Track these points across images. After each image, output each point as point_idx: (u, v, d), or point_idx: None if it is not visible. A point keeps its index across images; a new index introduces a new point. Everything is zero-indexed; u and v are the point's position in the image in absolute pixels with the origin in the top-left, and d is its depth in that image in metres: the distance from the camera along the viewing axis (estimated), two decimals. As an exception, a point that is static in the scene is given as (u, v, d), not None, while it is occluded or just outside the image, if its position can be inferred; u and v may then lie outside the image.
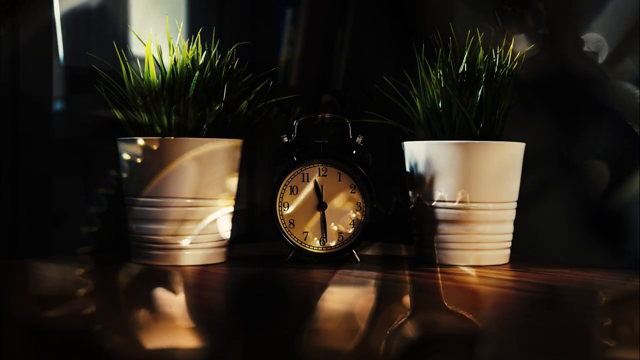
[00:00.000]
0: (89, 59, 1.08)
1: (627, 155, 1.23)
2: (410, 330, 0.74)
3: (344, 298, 0.88)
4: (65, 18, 1.30)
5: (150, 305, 0.84)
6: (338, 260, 1.09)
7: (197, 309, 0.84)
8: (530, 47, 1.08)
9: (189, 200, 1.03)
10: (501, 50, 1.08)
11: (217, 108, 1.05)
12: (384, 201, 1.49)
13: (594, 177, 1.25)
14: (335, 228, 1.08)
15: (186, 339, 0.71)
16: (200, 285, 0.96)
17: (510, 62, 1.07)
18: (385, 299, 0.88)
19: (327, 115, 1.12)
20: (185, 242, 1.04)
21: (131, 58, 1.07)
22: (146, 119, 1.05)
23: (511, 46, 1.09)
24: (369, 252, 1.19)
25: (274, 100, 1.11)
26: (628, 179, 1.22)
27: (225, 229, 1.07)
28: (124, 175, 1.06)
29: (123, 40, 1.35)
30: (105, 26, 1.38)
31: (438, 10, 1.47)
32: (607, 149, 1.24)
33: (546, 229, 1.19)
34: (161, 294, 0.89)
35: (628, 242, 1.23)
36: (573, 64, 1.24)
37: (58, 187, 1.26)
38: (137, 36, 1.10)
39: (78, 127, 1.35)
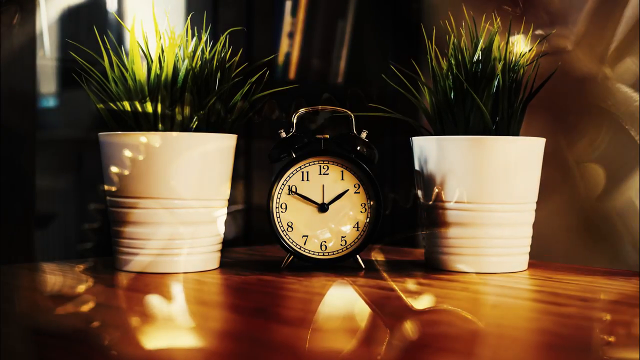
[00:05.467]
0: (78, 51, 0.94)
1: (624, 159, 1.16)
2: (423, 350, 0.61)
3: (347, 310, 0.75)
4: (51, 8, 1.19)
5: (145, 327, 0.71)
6: (340, 267, 0.95)
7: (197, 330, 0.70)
8: (529, 48, 0.96)
9: (177, 202, 0.90)
10: (519, 37, 0.94)
11: (208, 100, 0.92)
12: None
13: (591, 179, 1.19)
14: (337, 229, 0.94)
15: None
16: (196, 298, 0.82)
17: (530, 50, 0.94)
18: (394, 312, 0.75)
19: (328, 108, 0.99)
20: (175, 247, 0.90)
21: (120, 52, 0.93)
22: (130, 111, 0.92)
23: (530, 33, 0.96)
24: (372, 257, 1.06)
25: (269, 92, 0.97)
26: (624, 183, 1.14)
27: (219, 232, 0.94)
28: (106, 173, 0.92)
29: (117, 33, 1.23)
30: (96, 17, 1.27)
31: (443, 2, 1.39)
32: (605, 151, 1.17)
33: (542, 231, 1.09)
34: (155, 310, 0.76)
35: (624, 244, 1.16)
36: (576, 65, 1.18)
37: (44, 188, 1.15)
38: (121, 21, 0.97)
39: (68, 124, 1.25)
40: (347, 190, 0.94)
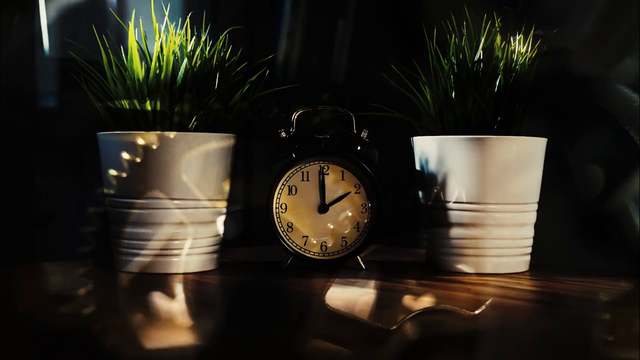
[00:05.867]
0: (78, 51, 0.94)
1: (624, 159, 1.16)
2: (423, 350, 0.60)
3: (348, 311, 0.74)
4: (51, 7, 1.19)
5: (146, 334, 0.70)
6: (341, 268, 0.95)
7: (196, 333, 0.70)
8: (530, 48, 0.95)
9: (177, 202, 0.89)
10: (520, 37, 0.94)
11: (208, 100, 0.91)
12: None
13: (590, 180, 1.18)
14: (337, 230, 0.94)
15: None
16: (196, 299, 0.82)
17: (531, 50, 0.93)
18: (395, 313, 0.74)
19: (328, 108, 0.98)
20: (175, 248, 0.89)
21: (119, 51, 0.93)
22: (129, 111, 0.91)
23: (531, 33, 0.95)
24: (373, 257, 1.05)
25: (269, 92, 0.96)
26: (624, 183, 1.14)
27: (218, 232, 0.93)
28: (106, 173, 0.92)
29: (116, 32, 1.23)
30: (96, 16, 1.27)
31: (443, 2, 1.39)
32: (604, 152, 1.17)
33: (542, 231, 1.09)
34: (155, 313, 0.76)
35: (623, 245, 1.16)
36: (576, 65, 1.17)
37: (44, 188, 1.15)
38: (120, 20, 0.96)
39: (68, 124, 1.25)
40: (349, 192, 0.94)
